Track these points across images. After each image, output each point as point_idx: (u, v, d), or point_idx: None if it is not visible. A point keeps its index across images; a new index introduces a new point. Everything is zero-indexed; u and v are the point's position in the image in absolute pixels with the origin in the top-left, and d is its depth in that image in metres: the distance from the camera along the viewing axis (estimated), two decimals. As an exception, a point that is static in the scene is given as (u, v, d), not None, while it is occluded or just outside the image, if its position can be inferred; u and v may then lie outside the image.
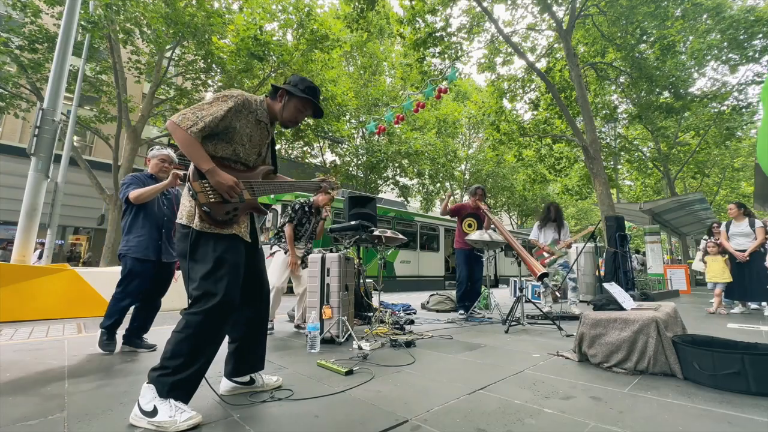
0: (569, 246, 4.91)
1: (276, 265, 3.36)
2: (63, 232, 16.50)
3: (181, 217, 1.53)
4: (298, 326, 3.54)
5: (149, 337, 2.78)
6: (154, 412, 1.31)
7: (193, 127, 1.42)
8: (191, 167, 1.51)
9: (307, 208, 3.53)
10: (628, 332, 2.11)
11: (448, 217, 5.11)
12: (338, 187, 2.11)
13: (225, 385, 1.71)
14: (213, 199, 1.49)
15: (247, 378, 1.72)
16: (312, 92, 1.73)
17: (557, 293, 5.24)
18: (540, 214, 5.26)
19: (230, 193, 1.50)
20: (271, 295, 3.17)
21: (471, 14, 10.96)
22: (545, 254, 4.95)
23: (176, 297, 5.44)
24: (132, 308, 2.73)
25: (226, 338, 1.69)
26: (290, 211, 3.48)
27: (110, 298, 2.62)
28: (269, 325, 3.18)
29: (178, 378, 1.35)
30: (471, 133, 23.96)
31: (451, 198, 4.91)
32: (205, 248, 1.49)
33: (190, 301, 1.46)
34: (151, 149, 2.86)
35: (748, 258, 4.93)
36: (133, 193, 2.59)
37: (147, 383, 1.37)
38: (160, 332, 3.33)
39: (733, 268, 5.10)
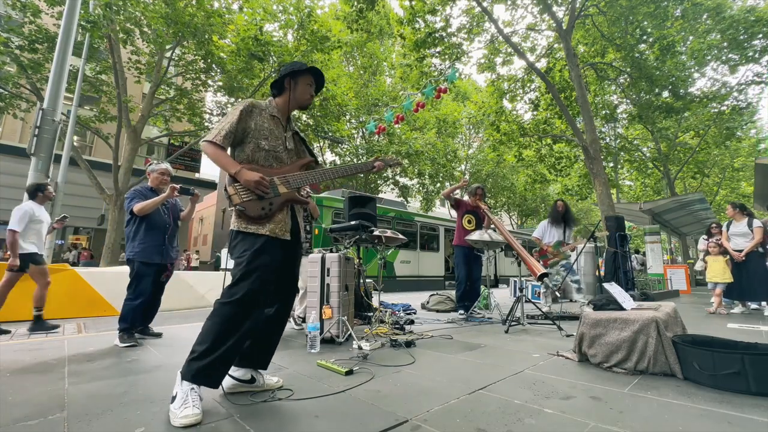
0: (573, 249, 4.88)
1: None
2: (63, 232, 16.50)
3: (231, 224, 1.67)
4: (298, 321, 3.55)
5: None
6: (173, 398, 1.42)
7: (217, 137, 1.59)
8: (226, 178, 1.64)
9: None
10: (628, 332, 2.11)
11: (447, 215, 5.09)
12: (397, 163, 2.04)
13: (226, 381, 1.71)
14: (246, 198, 1.60)
15: (248, 376, 1.73)
16: (310, 67, 1.84)
17: (557, 293, 5.24)
18: (550, 212, 5.27)
19: (259, 188, 1.60)
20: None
21: (471, 14, 10.95)
22: (549, 255, 4.93)
23: (176, 296, 5.46)
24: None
25: None
26: None
27: (123, 301, 2.89)
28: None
29: (202, 363, 1.44)
30: (471, 133, 23.95)
31: (461, 189, 4.77)
32: (240, 246, 1.61)
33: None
34: (150, 164, 3.17)
35: (744, 258, 4.93)
36: (137, 207, 2.91)
37: (180, 370, 1.48)
38: (166, 330, 3.34)
39: (733, 268, 5.10)
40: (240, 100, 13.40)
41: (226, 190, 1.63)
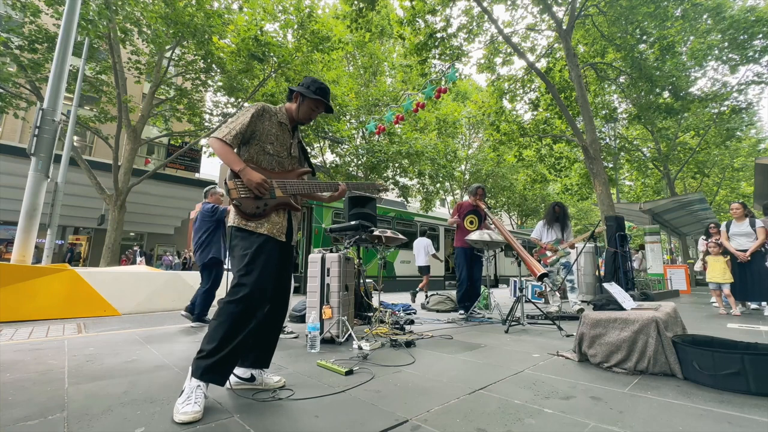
0: (572, 246, 4.93)
1: None
2: (63, 232, 16.50)
3: (229, 221, 1.75)
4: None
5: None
6: (182, 392, 1.47)
7: (227, 135, 1.67)
8: (228, 172, 1.71)
9: None
10: (628, 332, 2.11)
11: (447, 215, 5.10)
12: (384, 189, 2.20)
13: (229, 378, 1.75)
14: (243, 195, 1.68)
15: (248, 374, 1.75)
16: (322, 93, 1.90)
17: (557, 293, 5.24)
18: (545, 213, 5.29)
19: (259, 189, 1.67)
20: None
21: (471, 15, 10.94)
22: (548, 253, 4.96)
23: (176, 296, 5.46)
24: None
25: None
26: None
27: (201, 294, 3.72)
28: (294, 333, 3.19)
29: (210, 361, 1.48)
30: (471, 133, 23.94)
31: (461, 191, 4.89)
32: (240, 243, 1.67)
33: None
34: (212, 187, 4.04)
35: (749, 258, 4.92)
36: None
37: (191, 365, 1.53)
38: (161, 332, 3.34)
39: (734, 268, 5.09)
40: (239, 100, 13.48)
41: (226, 183, 1.70)
